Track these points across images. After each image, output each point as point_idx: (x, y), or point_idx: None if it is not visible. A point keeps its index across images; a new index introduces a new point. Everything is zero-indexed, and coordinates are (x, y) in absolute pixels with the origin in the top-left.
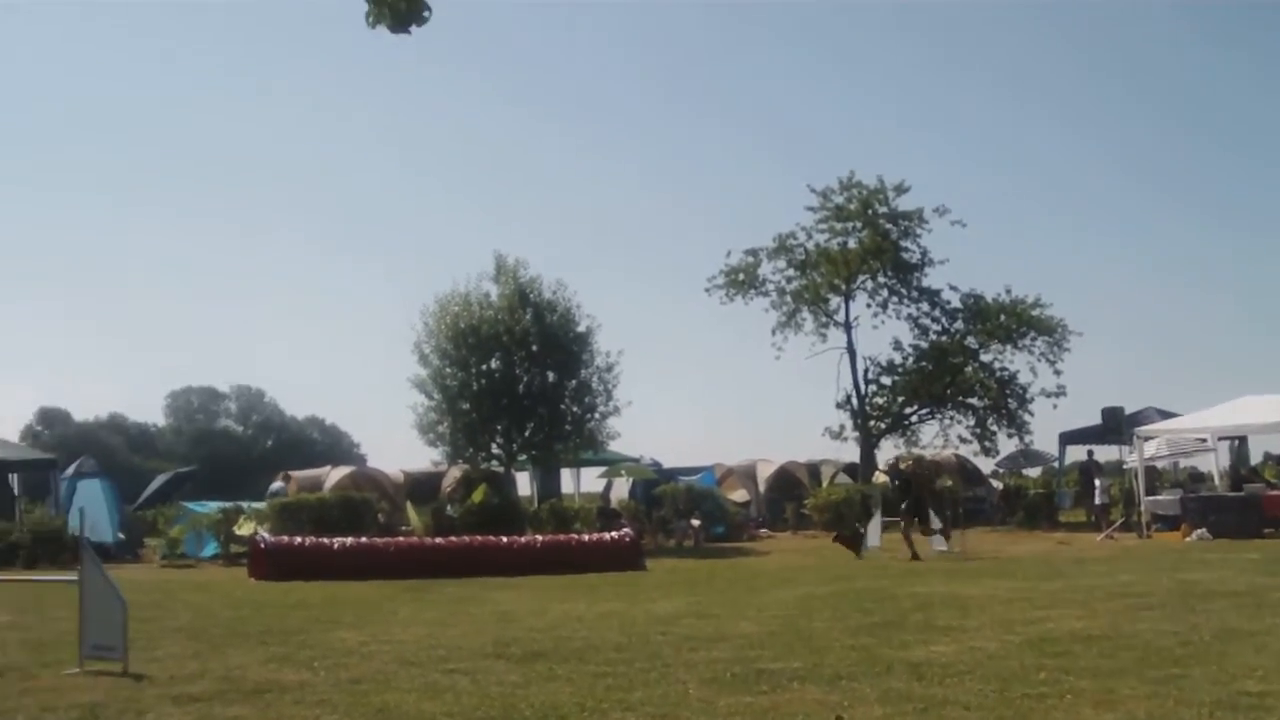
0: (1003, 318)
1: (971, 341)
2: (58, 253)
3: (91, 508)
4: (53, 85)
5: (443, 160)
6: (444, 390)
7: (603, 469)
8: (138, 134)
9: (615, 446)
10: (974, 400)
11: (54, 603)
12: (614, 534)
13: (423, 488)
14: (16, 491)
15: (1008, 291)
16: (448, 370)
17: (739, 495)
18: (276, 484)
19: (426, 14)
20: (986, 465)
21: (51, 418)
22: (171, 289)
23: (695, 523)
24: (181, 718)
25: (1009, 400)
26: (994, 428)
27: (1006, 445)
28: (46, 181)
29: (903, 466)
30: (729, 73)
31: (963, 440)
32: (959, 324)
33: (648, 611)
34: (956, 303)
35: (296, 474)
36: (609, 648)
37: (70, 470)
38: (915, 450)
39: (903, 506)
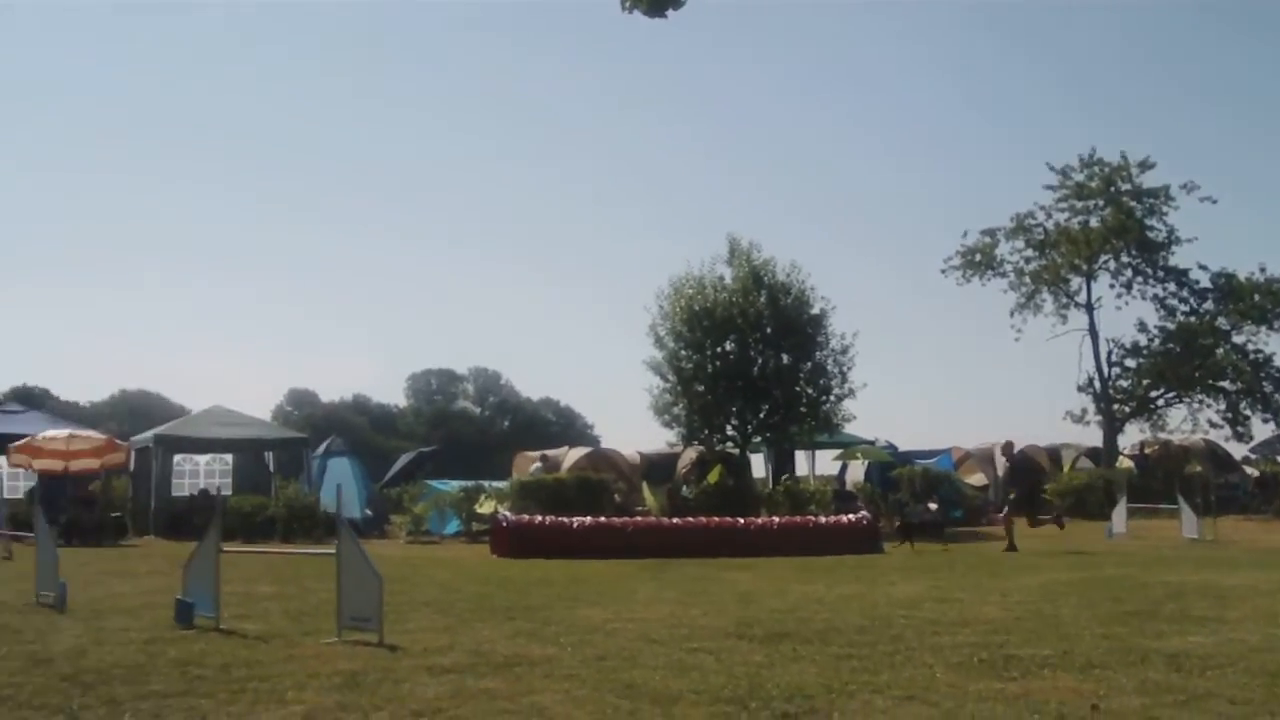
0: (1257, 297)
1: (1223, 322)
2: (305, 242)
3: (341, 485)
4: (311, 87)
5: (680, 140)
6: (679, 372)
7: (838, 451)
8: (388, 131)
9: (850, 429)
10: (1225, 383)
11: (310, 574)
12: (850, 517)
13: (658, 469)
14: (272, 469)
15: (1262, 270)
16: (683, 353)
17: (977, 479)
18: (536, 465)
19: None
20: (1239, 450)
21: (300, 399)
22: (411, 274)
23: (932, 506)
24: (436, 688)
25: (1264, 383)
26: (1247, 412)
27: (1262, 430)
28: (297, 177)
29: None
30: (971, 49)
31: (1213, 425)
32: (1209, 304)
33: (888, 594)
34: (1206, 282)
35: (531, 453)
36: (851, 630)
37: (321, 449)
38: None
39: (1010, 496)
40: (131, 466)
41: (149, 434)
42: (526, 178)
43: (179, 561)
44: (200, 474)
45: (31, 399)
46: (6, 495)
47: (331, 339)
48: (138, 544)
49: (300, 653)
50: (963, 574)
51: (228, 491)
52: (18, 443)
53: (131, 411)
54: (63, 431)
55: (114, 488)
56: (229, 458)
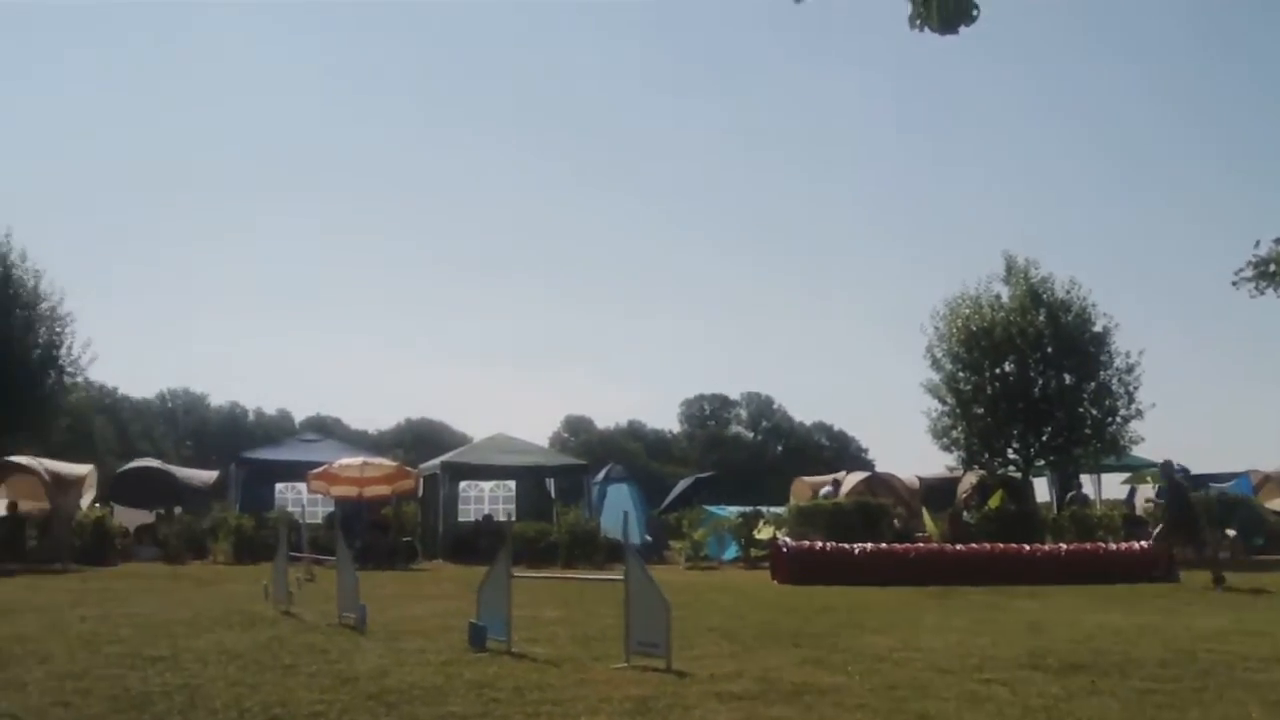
0: None
1: None
2: (584, 267)
3: (620, 511)
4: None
5: (953, 156)
6: (958, 395)
7: (1126, 475)
8: (661, 147)
9: (1138, 451)
10: None
11: (594, 599)
12: (1143, 543)
13: (937, 493)
14: (553, 495)
15: None
16: (961, 374)
17: (1278, 504)
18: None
19: (975, 13)
20: None
21: (576, 425)
22: (682, 301)
23: (1230, 533)
24: (727, 714)
25: None
26: None
27: None
28: (583, 200)
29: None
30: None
31: None
32: None
33: (1188, 626)
34: None
35: (809, 479)
36: (1152, 662)
37: (600, 475)
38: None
39: (1163, 519)
40: (420, 493)
41: (436, 461)
42: (799, 199)
43: (468, 584)
44: (485, 500)
45: (324, 428)
46: (306, 520)
47: (606, 366)
48: (427, 567)
49: (590, 677)
50: (1273, 606)
51: (511, 517)
52: (316, 470)
53: (416, 439)
54: (357, 459)
55: (405, 513)
56: (512, 484)
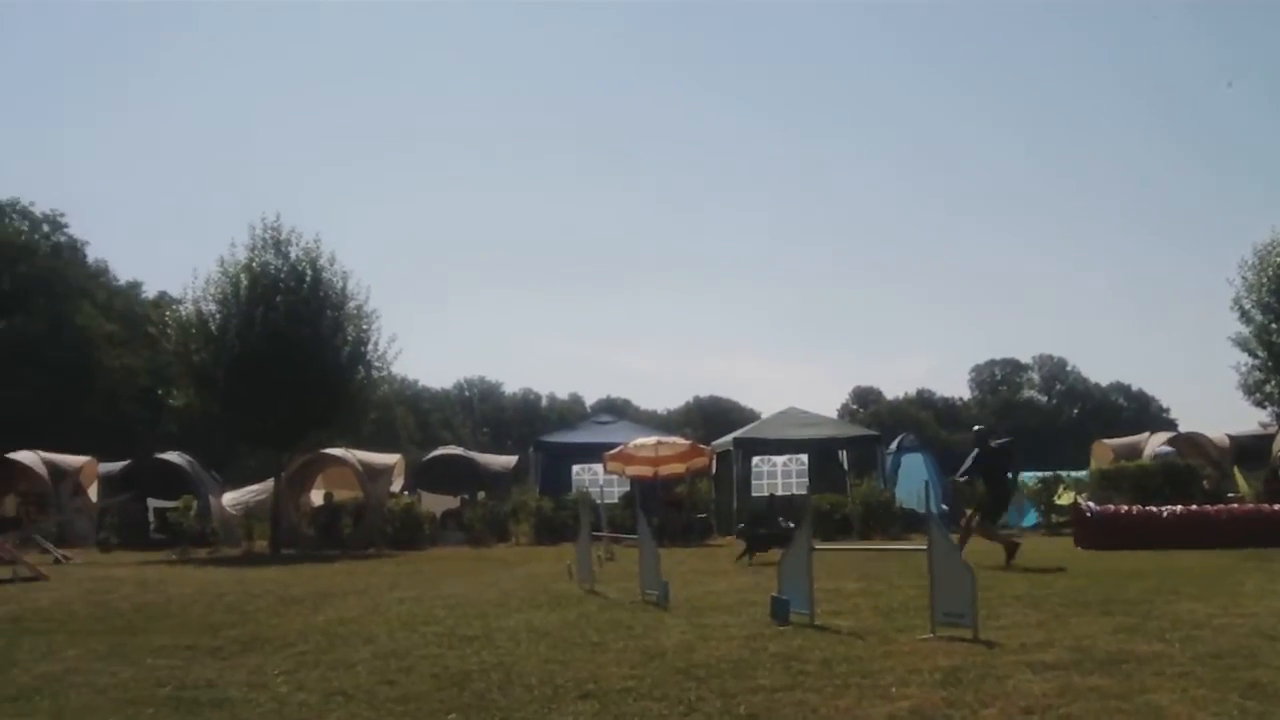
0: None
1: None
2: (870, 237)
3: (914, 480)
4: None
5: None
6: (1269, 348)
7: None
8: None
9: None
10: None
11: (893, 570)
12: None
13: (1251, 453)
14: (846, 467)
15: None
16: (1273, 326)
17: None
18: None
19: None
20: None
21: (865, 396)
22: (968, 263)
23: None
24: (1041, 685)
25: None
26: None
27: None
28: (843, 183)
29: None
30: None
31: None
32: None
33: None
34: None
35: (1110, 442)
36: None
37: (893, 445)
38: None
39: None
40: (713, 469)
41: (728, 438)
42: (1066, 157)
43: (764, 559)
44: (778, 474)
45: (615, 410)
46: (603, 500)
47: (892, 334)
48: (723, 543)
49: (897, 649)
50: None
51: (804, 491)
52: (612, 451)
53: (705, 417)
54: (651, 439)
55: (698, 490)
56: (804, 457)
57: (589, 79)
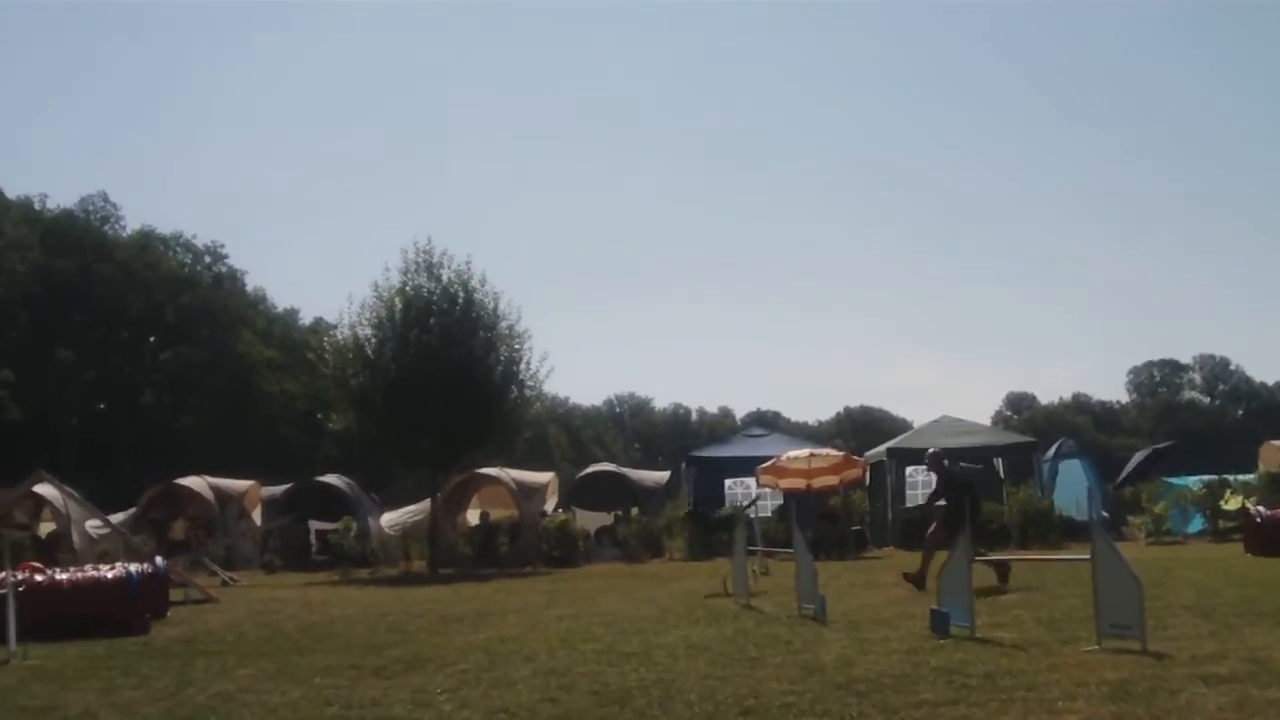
0: None
1: None
2: (1026, 239)
3: (1073, 487)
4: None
5: None
6: None
7: None
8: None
9: None
10: None
11: (1054, 580)
12: None
13: None
14: (1002, 475)
15: None
16: None
17: None
18: None
19: None
20: None
21: (1018, 402)
22: (1122, 265)
23: None
24: (1216, 699)
25: None
26: None
27: None
28: (992, 183)
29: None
30: None
31: None
32: None
33: None
34: None
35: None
36: None
37: (1050, 452)
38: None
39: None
40: (867, 481)
41: (881, 448)
42: (1220, 152)
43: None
44: (932, 484)
45: (766, 422)
46: (757, 514)
47: (1046, 339)
48: (878, 555)
49: (1062, 661)
50: None
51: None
52: (764, 464)
53: (856, 428)
54: (803, 451)
55: (852, 502)
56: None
57: (747, 87)
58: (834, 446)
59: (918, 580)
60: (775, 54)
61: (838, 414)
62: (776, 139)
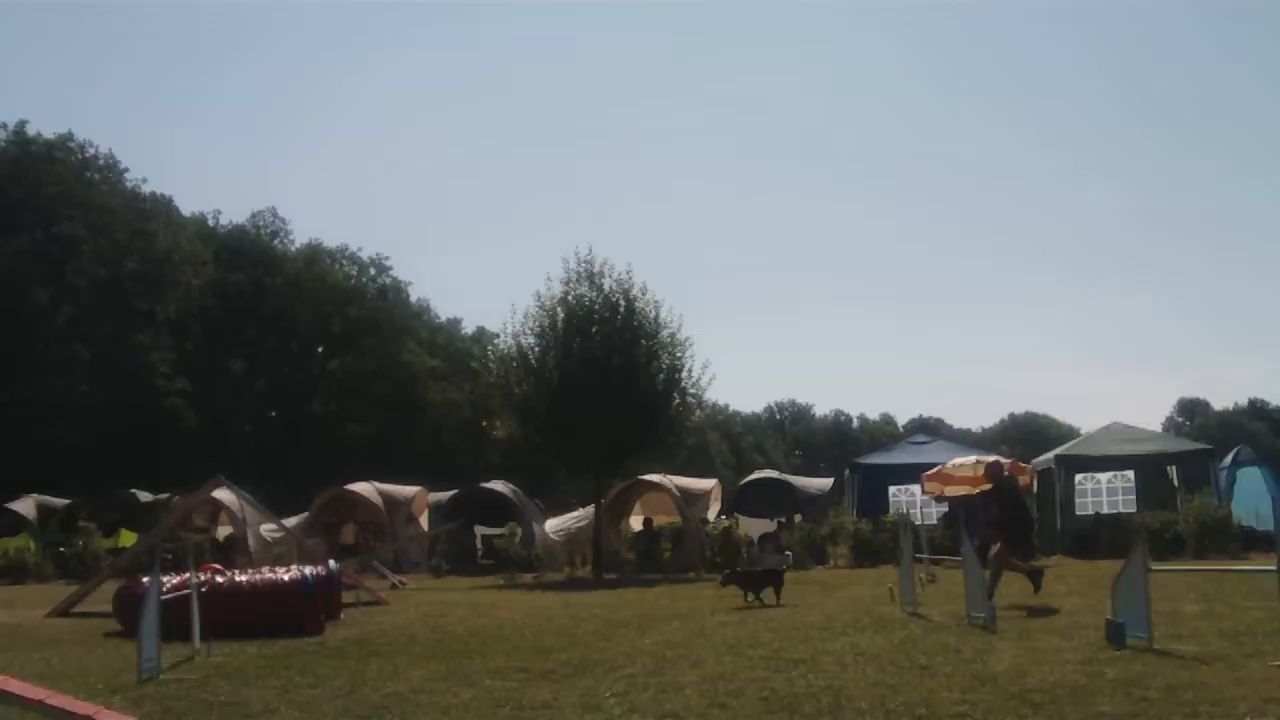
0: None
1: None
2: (1195, 245)
3: (1252, 496)
4: None
5: None
6: None
7: None
8: None
9: None
10: None
11: (1235, 592)
12: None
13: None
14: (1176, 483)
15: None
16: None
17: None
18: None
19: None
20: None
21: (1190, 408)
22: None
23: None
24: None
25: None
26: None
27: None
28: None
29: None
30: None
31: None
32: None
33: None
34: None
35: None
36: None
37: (1227, 459)
38: None
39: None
40: (1034, 488)
41: (1049, 455)
42: None
43: (1092, 580)
44: (1103, 492)
45: (928, 428)
46: (922, 522)
47: (1219, 344)
48: (1047, 564)
49: (1247, 675)
50: None
51: (1130, 509)
52: (929, 471)
53: (1021, 435)
54: (969, 458)
55: None
56: (1130, 474)
57: (909, 93)
58: (1000, 453)
59: (1036, 580)
60: (943, 59)
61: (1002, 420)
62: (942, 144)
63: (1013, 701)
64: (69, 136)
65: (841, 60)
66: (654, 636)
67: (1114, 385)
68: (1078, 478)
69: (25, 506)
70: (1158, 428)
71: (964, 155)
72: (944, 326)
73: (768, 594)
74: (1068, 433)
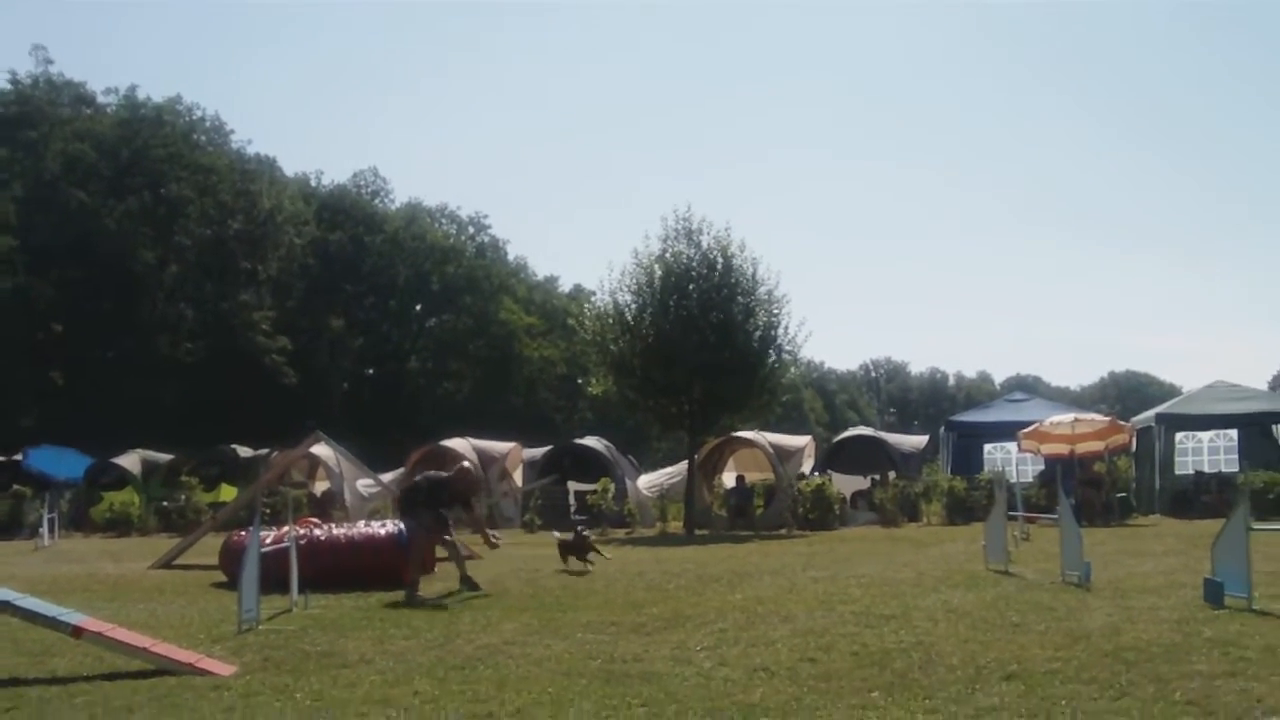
0: None
1: None
2: None
3: None
4: None
5: None
6: None
7: None
8: None
9: None
10: None
11: None
12: None
13: None
14: None
15: None
16: None
17: None
18: None
19: None
20: None
21: None
22: None
23: None
24: None
25: None
26: None
27: None
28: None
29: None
30: None
31: None
32: None
33: None
34: None
35: None
36: None
37: None
38: None
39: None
40: (1133, 446)
41: (1150, 413)
42: None
43: (1191, 540)
44: (1204, 451)
45: (1026, 387)
46: (1017, 479)
47: None
48: (1145, 523)
49: None
50: None
51: (1232, 469)
52: (1026, 429)
53: (1121, 392)
54: (1067, 416)
55: (1118, 468)
56: (1233, 433)
57: (1003, 53)
58: (1099, 411)
59: None
60: (1049, 22)
61: (1101, 378)
62: (1040, 96)
63: (1106, 659)
64: (177, 99)
65: (940, 13)
66: (745, 592)
67: (1219, 344)
68: (1178, 436)
69: (130, 461)
70: (1263, 386)
71: (1068, 105)
72: (1044, 283)
73: None
74: (1169, 391)
